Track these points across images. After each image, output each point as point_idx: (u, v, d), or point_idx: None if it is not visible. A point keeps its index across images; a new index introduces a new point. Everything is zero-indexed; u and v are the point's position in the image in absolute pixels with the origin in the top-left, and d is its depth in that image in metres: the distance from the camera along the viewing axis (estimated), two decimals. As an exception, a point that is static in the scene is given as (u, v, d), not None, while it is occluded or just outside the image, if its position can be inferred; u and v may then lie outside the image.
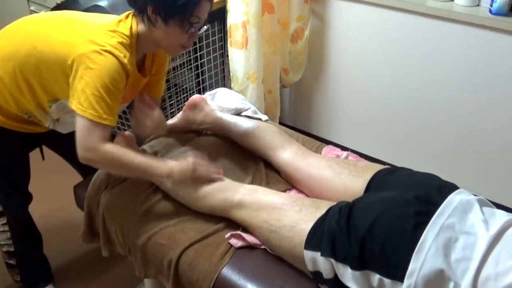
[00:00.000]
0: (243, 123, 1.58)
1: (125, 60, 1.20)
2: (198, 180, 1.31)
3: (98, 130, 1.18)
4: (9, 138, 1.43)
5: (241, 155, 1.58)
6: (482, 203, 1.08)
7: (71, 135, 1.30)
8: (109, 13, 1.44)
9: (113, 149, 1.21)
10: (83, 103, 1.16)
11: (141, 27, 1.28)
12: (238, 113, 1.73)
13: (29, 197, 1.64)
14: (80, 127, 1.18)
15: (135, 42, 1.27)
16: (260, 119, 1.70)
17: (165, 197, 1.40)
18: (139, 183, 1.45)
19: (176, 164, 1.28)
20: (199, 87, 2.41)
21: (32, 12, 2.49)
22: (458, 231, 0.99)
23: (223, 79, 2.47)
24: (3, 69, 1.31)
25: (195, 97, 1.63)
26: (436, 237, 0.98)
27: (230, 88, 2.13)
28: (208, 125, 1.63)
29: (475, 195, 1.11)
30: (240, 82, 2.13)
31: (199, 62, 2.31)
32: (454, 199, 1.06)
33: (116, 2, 2.07)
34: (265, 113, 2.20)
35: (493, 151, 2.06)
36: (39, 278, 1.80)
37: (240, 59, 2.08)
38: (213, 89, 1.85)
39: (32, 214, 1.70)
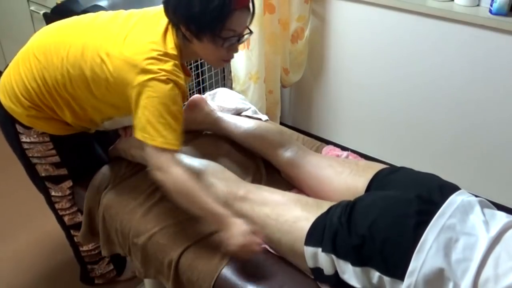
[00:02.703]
0: (243, 123, 1.58)
1: (182, 82, 1.20)
2: (237, 249, 1.16)
3: (168, 154, 1.17)
4: (79, 140, 1.47)
5: (241, 155, 1.58)
6: (483, 205, 1.08)
7: None
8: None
9: (184, 174, 1.17)
10: (150, 132, 1.16)
11: (180, 40, 1.24)
12: (238, 113, 1.73)
13: None
14: (151, 154, 1.18)
15: (179, 54, 1.24)
16: (260, 119, 1.70)
17: (165, 196, 1.40)
18: (140, 183, 1.45)
19: (237, 225, 1.16)
20: (199, 87, 2.41)
21: (32, 12, 2.48)
22: (458, 232, 0.99)
23: (223, 79, 2.47)
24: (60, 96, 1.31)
25: (195, 97, 1.63)
26: (437, 237, 0.98)
27: (230, 88, 2.13)
28: (208, 125, 1.64)
29: (476, 196, 1.11)
30: (242, 82, 2.13)
31: (199, 62, 2.31)
32: (455, 199, 1.06)
33: (116, 2, 2.07)
34: (266, 113, 2.20)
35: (493, 151, 2.06)
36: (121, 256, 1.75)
37: (242, 59, 2.08)
38: (213, 89, 1.85)
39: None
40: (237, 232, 1.14)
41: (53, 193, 1.53)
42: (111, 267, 1.81)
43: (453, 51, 1.98)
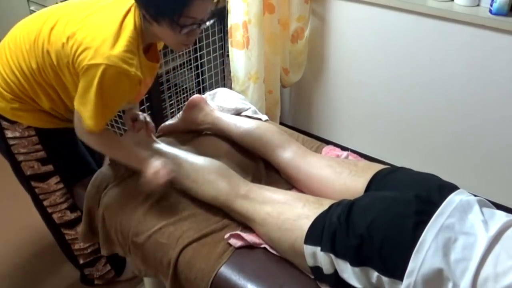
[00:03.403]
0: (243, 123, 1.58)
1: (133, 70, 1.20)
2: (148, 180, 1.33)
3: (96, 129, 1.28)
4: (64, 135, 1.48)
5: (241, 155, 1.58)
6: (482, 204, 1.08)
7: None
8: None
9: (108, 133, 1.35)
10: (86, 110, 1.22)
11: (142, 22, 1.25)
12: (238, 113, 1.73)
13: None
14: (79, 123, 1.28)
15: (140, 35, 1.25)
16: (260, 119, 1.70)
17: (165, 196, 1.40)
18: (139, 182, 1.45)
19: (153, 163, 1.33)
20: (199, 87, 2.41)
21: (32, 12, 2.49)
22: (457, 232, 0.99)
23: (223, 79, 2.48)
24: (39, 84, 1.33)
25: (195, 97, 1.63)
26: (435, 237, 0.98)
27: (230, 88, 2.13)
28: (208, 125, 1.64)
29: (475, 196, 1.11)
30: (241, 82, 2.13)
31: (199, 62, 2.31)
32: (454, 199, 1.06)
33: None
34: (266, 113, 2.20)
35: (493, 150, 2.06)
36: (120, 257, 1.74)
37: (241, 59, 2.08)
38: (213, 89, 1.85)
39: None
40: (151, 167, 1.30)
41: (39, 191, 1.53)
42: (109, 267, 1.80)
43: (453, 51, 1.98)
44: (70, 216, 1.60)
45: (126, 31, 1.21)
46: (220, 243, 1.26)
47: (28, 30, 1.31)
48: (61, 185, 1.55)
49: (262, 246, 1.26)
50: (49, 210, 1.58)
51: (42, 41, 1.26)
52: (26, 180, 1.51)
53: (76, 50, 1.19)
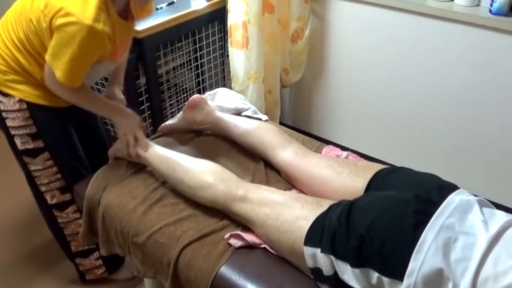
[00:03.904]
0: (243, 123, 1.58)
1: (100, 25, 1.27)
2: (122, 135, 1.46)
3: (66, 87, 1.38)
4: (57, 115, 1.55)
5: (241, 155, 1.58)
6: (482, 204, 1.08)
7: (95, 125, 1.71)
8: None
9: (79, 89, 1.41)
10: (58, 64, 1.32)
11: None
12: (238, 113, 1.73)
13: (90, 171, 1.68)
14: (50, 75, 1.37)
15: None
16: (260, 119, 1.70)
17: (165, 196, 1.40)
18: (139, 182, 1.45)
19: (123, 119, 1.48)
20: (199, 87, 2.41)
21: None
22: (457, 231, 0.99)
23: (223, 79, 2.47)
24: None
25: (195, 97, 1.63)
26: (435, 237, 0.98)
27: (230, 88, 2.13)
28: (208, 125, 1.64)
29: (475, 196, 1.11)
30: (241, 82, 2.13)
31: (199, 62, 2.31)
32: (454, 199, 1.06)
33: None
34: (265, 113, 2.20)
35: (493, 150, 2.06)
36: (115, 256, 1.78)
37: (241, 59, 2.08)
38: (213, 89, 1.85)
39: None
40: (126, 116, 1.46)
41: (32, 168, 1.57)
42: (100, 262, 1.81)
43: (453, 51, 1.98)
44: (60, 197, 1.63)
45: None
46: (220, 243, 1.25)
47: (15, 6, 1.44)
48: (51, 162, 1.57)
49: (262, 246, 1.26)
50: (41, 188, 1.61)
51: (26, 10, 1.36)
52: (19, 155, 1.55)
53: (50, 12, 1.28)
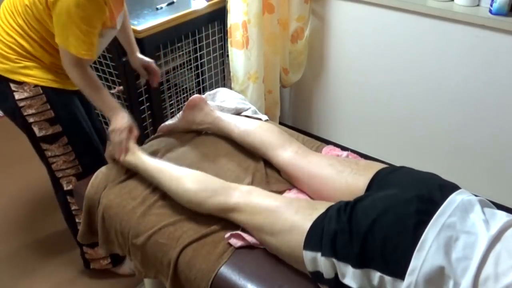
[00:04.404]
0: (243, 123, 1.58)
1: None
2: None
3: (81, 61, 1.40)
4: (70, 98, 1.58)
5: (241, 155, 1.58)
6: (483, 204, 1.08)
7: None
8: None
9: (92, 73, 1.46)
10: (67, 41, 1.35)
11: None
12: (238, 113, 1.73)
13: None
14: (65, 57, 1.40)
15: None
16: (260, 119, 1.70)
17: (164, 196, 1.40)
18: (139, 183, 1.45)
19: (117, 121, 1.46)
20: (199, 87, 2.41)
21: None
22: (459, 230, 0.99)
23: (223, 79, 2.47)
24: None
25: (195, 97, 1.63)
26: (437, 236, 0.98)
27: (230, 88, 2.13)
28: (208, 125, 1.63)
29: (476, 196, 1.11)
30: (241, 82, 2.13)
31: (199, 62, 2.31)
32: (455, 198, 1.06)
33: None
34: (265, 113, 2.20)
35: (494, 150, 2.06)
36: None
37: (241, 59, 2.08)
38: (213, 89, 1.85)
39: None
40: (120, 118, 1.45)
41: (49, 154, 1.60)
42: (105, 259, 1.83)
43: (453, 51, 1.98)
44: (76, 184, 1.64)
45: None
46: (220, 243, 1.25)
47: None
48: (69, 149, 1.60)
49: (262, 246, 1.25)
50: (57, 175, 1.64)
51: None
52: (37, 143, 1.58)
53: None
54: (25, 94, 1.48)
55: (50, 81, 1.50)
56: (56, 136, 1.56)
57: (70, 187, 1.66)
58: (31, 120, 1.52)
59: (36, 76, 1.48)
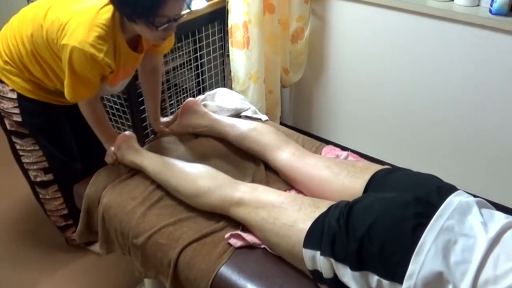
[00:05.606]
0: (239, 126, 1.57)
1: (101, 55, 1.31)
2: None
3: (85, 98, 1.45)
4: (45, 109, 1.60)
5: (241, 156, 1.58)
6: (481, 205, 1.08)
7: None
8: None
9: (99, 107, 1.52)
10: (66, 82, 1.38)
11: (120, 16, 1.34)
12: (238, 113, 1.73)
13: (78, 161, 1.79)
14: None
15: (120, 26, 1.35)
16: (260, 119, 1.70)
17: (165, 196, 1.40)
18: (139, 183, 1.45)
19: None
20: (199, 87, 2.41)
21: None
22: (457, 233, 0.99)
23: (223, 79, 2.47)
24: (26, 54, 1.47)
25: (188, 100, 1.65)
26: (435, 239, 0.98)
27: (230, 88, 2.13)
28: (204, 128, 1.63)
29: (474, 196, 1.11)
30: (242, 82, 2.13)
31: (199, 62, 2.31)
32: (453, 200, 1.06)
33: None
34: (266, 113, 2.20)
35: (494, 150, 2.06)
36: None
37: (242, 59, 2.08)
38: (213, 89, 1.85)
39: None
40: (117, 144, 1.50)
41: (18, 147, 1.66)
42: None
43: (453, 51, 1.98)
44: (43, 177, 1.73)
45: (101, 19, 1.31)
46: (220, 243, 1.26)
47: (34, 5, 1.49)
48: (36, 147, 1.66)
49: (262, 246, 1.26)
50: (25, 166, 1.71)
51: (39, 17, 1.40)
52: (8, 134, 1.65)
53: (58, 30, 1.33)
54: (3, 93, 1.54)
55: (26, 90, 1.54)
56: (24, 134, 1.63)
57: (38, 179, 1.73)
58: (3, 114, 1.59)
59: (15, 82, 1.52)
